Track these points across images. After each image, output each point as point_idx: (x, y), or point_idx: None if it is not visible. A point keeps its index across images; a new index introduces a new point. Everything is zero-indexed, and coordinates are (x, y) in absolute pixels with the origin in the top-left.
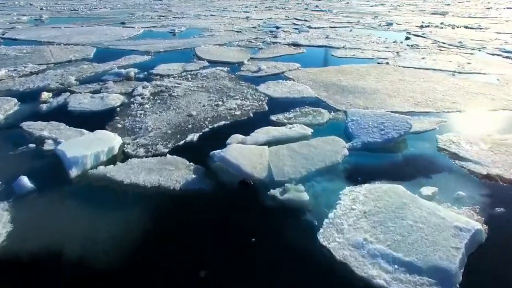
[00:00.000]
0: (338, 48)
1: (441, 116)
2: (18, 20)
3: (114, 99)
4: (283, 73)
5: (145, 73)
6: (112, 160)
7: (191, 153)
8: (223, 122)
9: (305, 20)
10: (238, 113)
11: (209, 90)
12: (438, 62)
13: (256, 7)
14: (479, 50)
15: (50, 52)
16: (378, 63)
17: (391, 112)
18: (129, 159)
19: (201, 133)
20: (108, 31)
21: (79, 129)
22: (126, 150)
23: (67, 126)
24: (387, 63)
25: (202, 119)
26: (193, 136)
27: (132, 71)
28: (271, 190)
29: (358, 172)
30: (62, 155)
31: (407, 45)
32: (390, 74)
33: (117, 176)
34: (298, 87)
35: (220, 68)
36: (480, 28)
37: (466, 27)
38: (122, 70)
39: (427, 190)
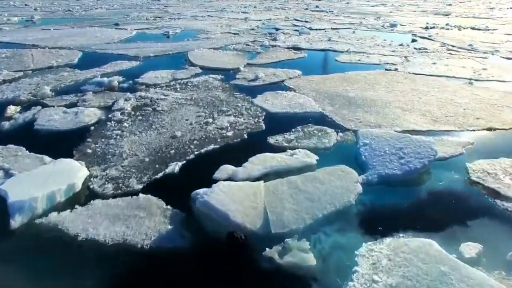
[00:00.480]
0: (342, 52)
1: (466, 136)
2: (8, 21)
3: (90, 115)
4: (283, 81)
5: (130, 82)
6: (70, 203)
7: (170, 190)
8: (211, 146)
9: (306, 21)
10: (230, 134)
11: (198, 103)
12: (451, 68)
13: (255, 7)
14: (492, 54)
15: (31, 57)
16: (386, 70)
17: (408, 131)
18: (91, 201)
19: (184, 161)
20: (99, 33)
21: (40, 156)
22: (91, 186)
23: (27, 152)
24: (396, 69)
25: (188, 142)
26: (175, 166)
27: (116, 80)
28: (267, 249)
29: (376, 218)
30: (5, 197)
31: (415, 48)
32: (401, 82)
33: (72, 227)
34: (299, 99)
35: (213, 76)
36: (488, 29)
37: (472, 28)
38: (105, 79)
39: (468, 248)
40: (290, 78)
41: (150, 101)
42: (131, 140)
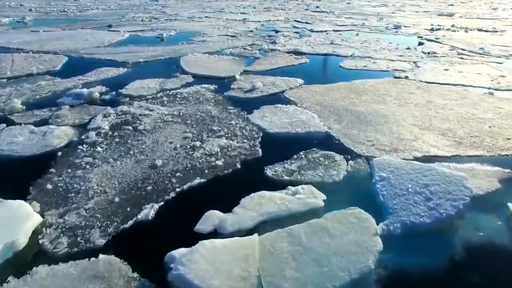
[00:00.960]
0: (346, 56)
1: (499, 163)
2: None
3: (60, 136)
4: (283, 92)
5: (113, 93)
6: (4, 269)
7: (140, 247)
8: (197, 181)
9: (306, 23)
10: (220, 162)
11: (186, 120)
12: (466, 76)
13: (254, 8)
14: (507, 58)
15: (11, 63)
16: (396, 77)
17: (430, 157)
18: (34, 268)
19: (162, 202)
20: (89, 35)
21: None
22: (41, 242)
23: None
24: (406, 77)
25: (169, 174)
26: (150, 210)
27: (97, 91)
28: None
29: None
30: None
31: (423, 52)
32: (414, 93)
33: None
34: (301, 116)
35: (206, 85)
36: (496, 31)
37: (479, 29)
38: (84, 91)
39: None
40: (291, 89)
41: (132, 117)
42: (102, 171)
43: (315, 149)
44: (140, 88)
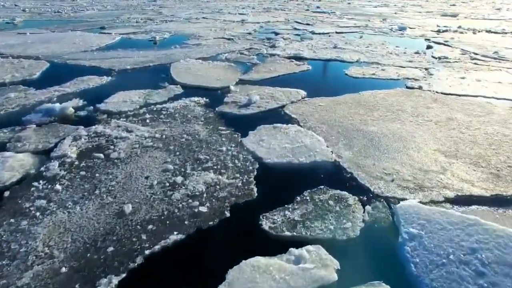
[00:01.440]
0: (351, 62)
1: None
2: None
3: (15, 167)
4: (283, 107)
5: (90, 108)
6: None
7: None
8: (173, 238)
9: (307, 24)
10: (204, 209)
11: (169, 146)
12: (486, 85)
13: (253, 8)
14: None
15: None
16: (408, 87)
17: (464, 197)
18: None
19: (124, 274)
20: (79, 38)
21: None
22: None
23: None
24: (420, 87)
25: (139, 227)
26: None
27: (72, 106)
28: None
29: None
30: None
31: (433, 57)
32: (431, 107)
33: None
34: (305, 139)
35: (196, 98)
36: (505, 32)
37: (488, 31)
38: (57, 106)
39: None
40: (292, 102)
41: (106, 141)
42: (54, 222)
43: (322, 187)
44: (122, 102)
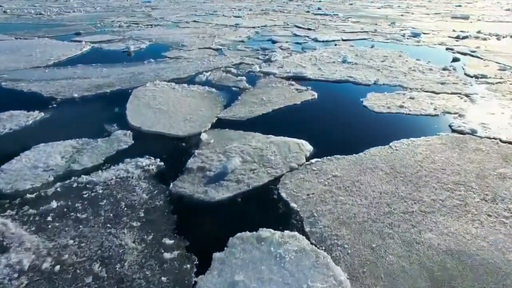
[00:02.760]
0: (368, 85)
1: None
2: None
3: None
4: (276, 184)
5: None
6: None
7: None
8: None
9: (309, 29)
10: None
11: None
12: None
13: (250, 10)
14: None
15: None
16: (455, 131)
17: None
18: None
19: None
20: (40, 48)
21: None
22: None
23: None
24: (473, 131)
25: None
26: None
27: None
28: None
29: None
30: None
31: (467, 74)
32: (507, 176)
33: None
34: (314, 278)
35: (146, 162)
36: None
37: None
38: None
39: None
40: (291, 171)
41: None
42: None
43: None
44: (30, 169)
